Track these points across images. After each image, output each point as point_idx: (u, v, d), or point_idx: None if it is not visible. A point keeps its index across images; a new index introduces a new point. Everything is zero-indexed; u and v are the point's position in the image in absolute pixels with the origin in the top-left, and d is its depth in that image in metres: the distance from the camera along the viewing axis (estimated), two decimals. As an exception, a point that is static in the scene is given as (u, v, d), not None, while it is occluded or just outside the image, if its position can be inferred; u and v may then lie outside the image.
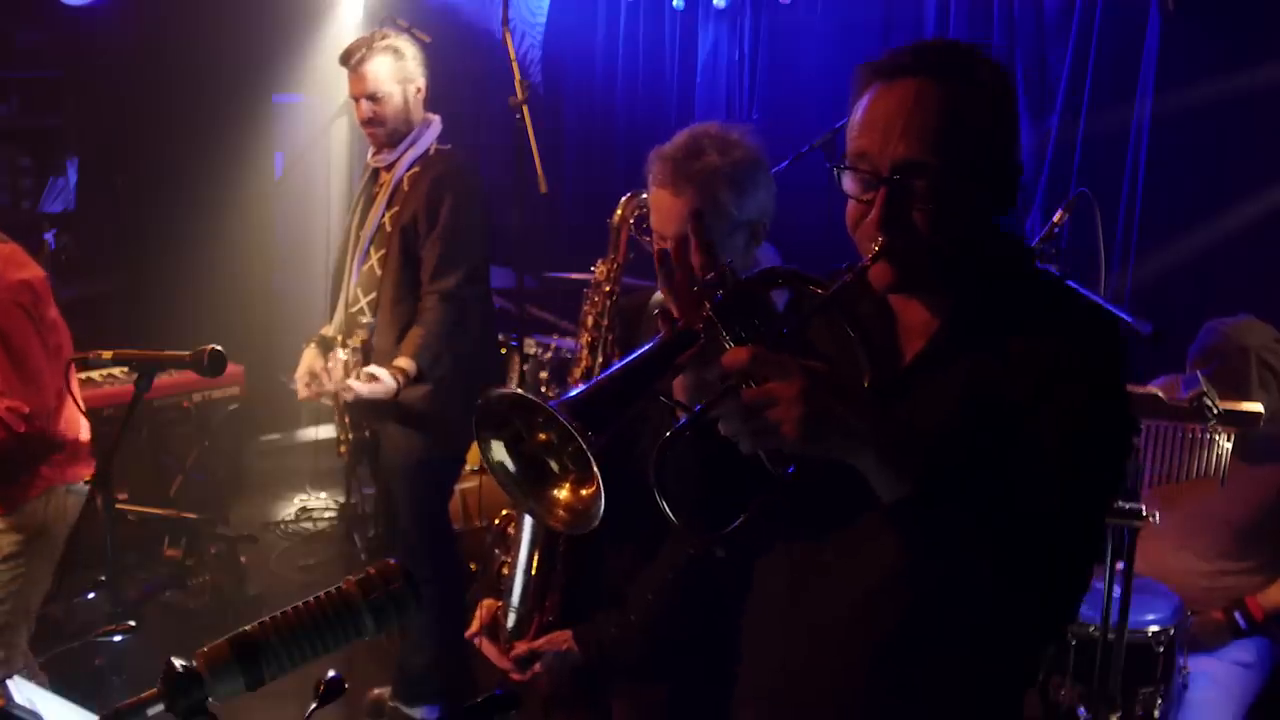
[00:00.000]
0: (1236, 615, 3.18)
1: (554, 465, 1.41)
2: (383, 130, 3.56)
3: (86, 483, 2.82)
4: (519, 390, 1.40)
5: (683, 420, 1.38)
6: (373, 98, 3.52)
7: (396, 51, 3.54)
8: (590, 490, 1.37)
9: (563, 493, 1.41)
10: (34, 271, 3.02)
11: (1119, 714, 2.94)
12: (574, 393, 1.38)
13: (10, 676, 1.91)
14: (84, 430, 3.19)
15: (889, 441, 1.34)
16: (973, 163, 1.44)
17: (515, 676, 2.26)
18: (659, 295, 2.30)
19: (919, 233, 1.44)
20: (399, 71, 3.53)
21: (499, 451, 1.42)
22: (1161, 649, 3.03)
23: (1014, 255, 1.58)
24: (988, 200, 1.50)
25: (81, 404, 3.06)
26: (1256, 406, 2.81)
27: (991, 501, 1.36)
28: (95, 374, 4.52)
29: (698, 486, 1.58)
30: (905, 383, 1.53)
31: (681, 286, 1.44)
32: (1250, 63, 4.23)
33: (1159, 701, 3.04)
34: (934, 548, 1.39)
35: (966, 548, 1.36)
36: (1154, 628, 3.03)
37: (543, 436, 1.40)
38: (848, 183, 1.49)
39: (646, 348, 1.42)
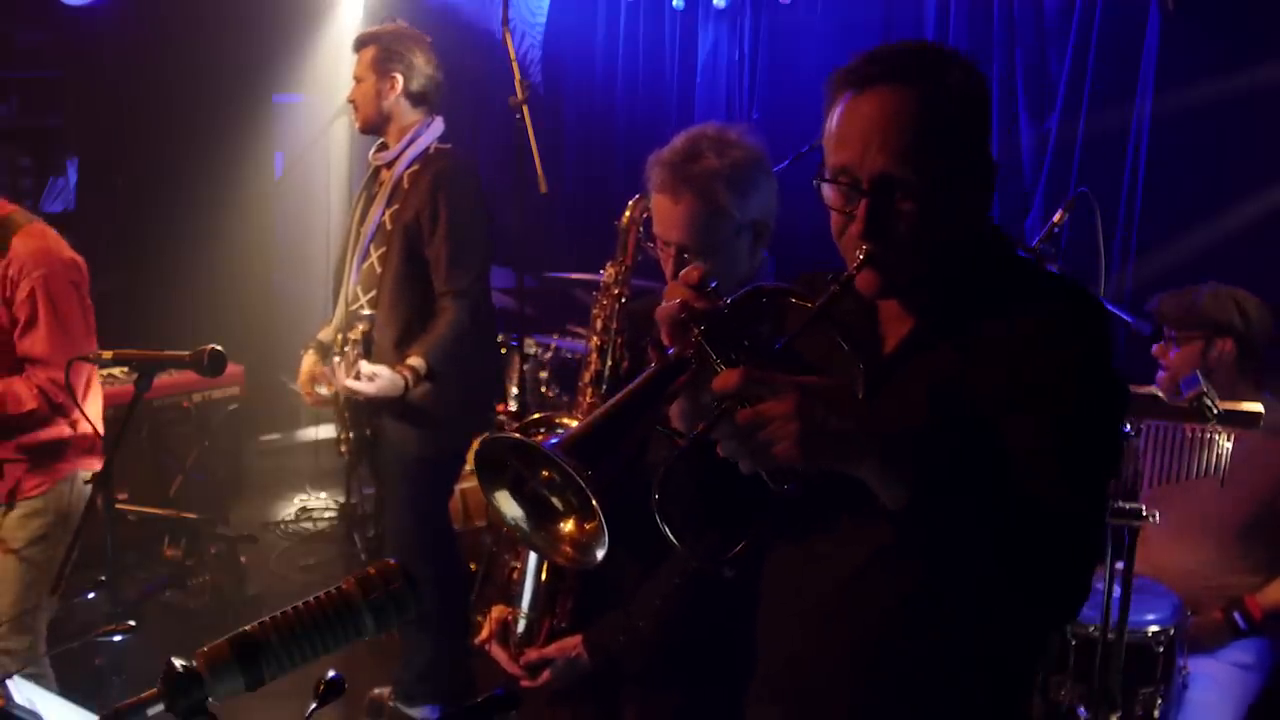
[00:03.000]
0: (1235, 615, 3.18)
1: (557, 502, 1.42)
2: (357, 114, 3.71)
3: (85, 482, 2.85)
4: (514, 435, 1.42)
5: (681, 448, 1.38)
6: (355, 80, 3.68)
7: (385, 44, 3.62)
8: (593, 525, 1.38)
9: (567, 526, 1.42)
10: (78, 255, 3.16)
11: (1119, 714, 2.94)
12: (570, 431, 1.38)
13: (10, 676, 1.91)
14: (100, 423, 3.25)
15: (886, 449, 1.34)
16: (949, 167, 1.46)
17: (526, 683, 2.25)
18: None
19: (902, 240, 1.47)
20: (378, 63, 3.61)
21: (504, 500, 1.43)
22: (1161, 649, 3.02)
23: (990, 243, 1.60)
24: (968, 200, 1.52)
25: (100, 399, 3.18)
26: (1256, 407, 2.81)
27: (988, 493, 1.36)
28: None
29: (700, 511, 1.58)
30: (888, 372, 1.54)
31: (669, 314, 1.44)
32: (1250, 63, 4.23)
33: (1159, 701, 3.04)
34: (932, 541, 1.39)
35: (965, 539, 1.37)
36: (1154, 628, 3.03)
37: (545, 474, 1.40)
38: (829, 195, 1.51)
39: (638, 380, 1.43)
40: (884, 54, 1.51)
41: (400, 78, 3.60)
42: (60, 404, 3.00)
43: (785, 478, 1.39)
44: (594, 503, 1.32)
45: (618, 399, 1.42)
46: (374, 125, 3.67)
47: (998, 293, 1.52)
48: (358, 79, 3.66)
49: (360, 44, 3.69)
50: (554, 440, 1.35)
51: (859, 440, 1.33)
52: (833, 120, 1.51)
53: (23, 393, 2.98)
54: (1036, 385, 1.43)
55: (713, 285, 1.46)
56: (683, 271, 1.48)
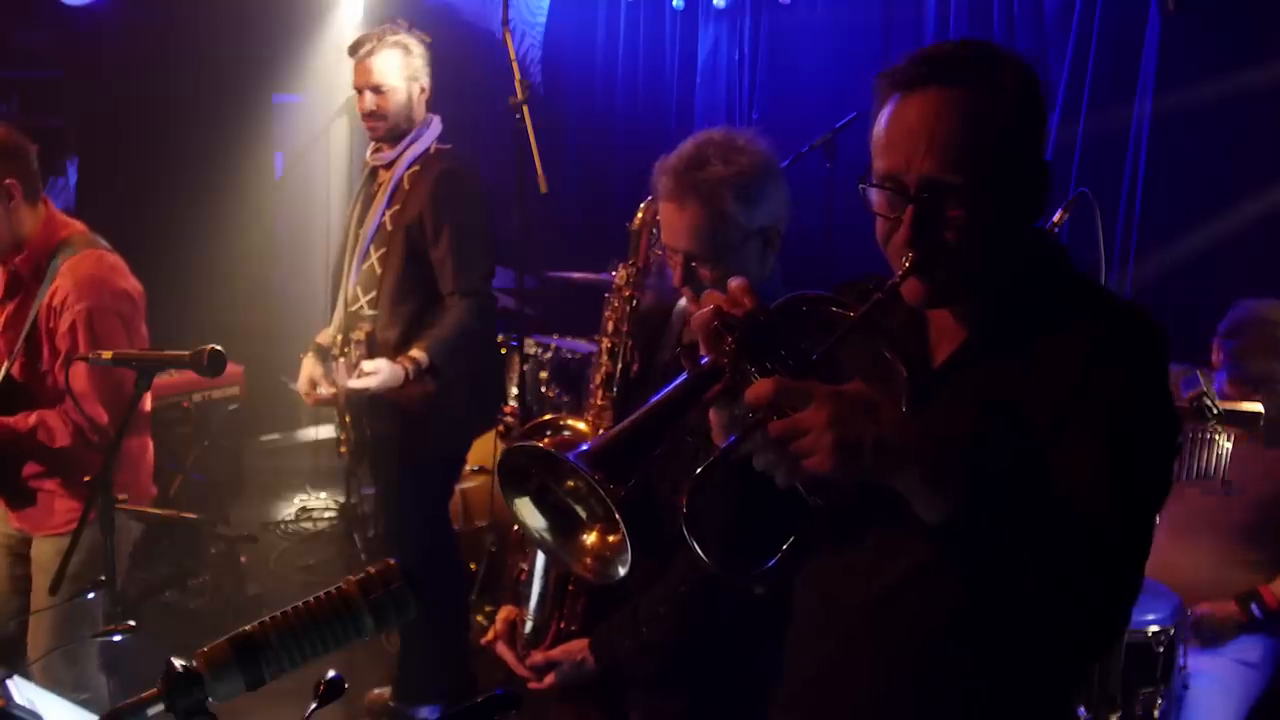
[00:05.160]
0: (1252, 606, 3.17)
1: (582, 511, 1.39)
2: (383, 125, 3.57)
3: (84, 482, 2.81)
4: (540, 445, 1.38)
5: (710, 459, 1.33)
6: (377, 90, 3.54)
7: (406, 48, 3.57)
8: (617, 537, 1.35)
9: (591, 538, 1.39)
10: (135, 284, 3.06)
11: (1119, 714, 2.94)
12: (597, 441, 1.33)
13: (10, 676, 1.91)
14: (149, 452, 3.22)
15: (928, 461, 1.29)
16: (999, 172, 1.40)
17: (533, 686, 2.25)
18: (683, 303, 2.27)
19: (949, 248, 1.41)
20: (406, 68, 3.55)
21: (527, 509, 1.40)
22: (1161, 649, 3.02)
23: (1047, 257, 1.54)
24: (1018, 206, 1.46)
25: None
26: (1256, 407, 2.81)
27: (1032, 510, 1.32)
28: (96, 374, 4.52)
29: (731, 526, 1.54)
30: (935, 385, 1.49)
31: (703, 322, 1.39)
32: (1250, 62, 4.23)
33: (1159, 701, 3.04)
34: (969, 560, 1.34)
35: (1007, 557, 1.32)
36: (1154, 628, 3.03)
37: (569, 483, 1.38)
38: (875, 199, 1.46)
39: (670, 387, 1.37)
40: (933, 53, 1.45)
41: (427, 80, 3.59)
42: (95, 443, 2.90)
43: (821, 490, 1.33)
44: (618, 515, 1.29)
45: (647, 408, 1.36)
46: (401, 133, 3.57)
47: (1053, 309, 1.46)
48: (384, 89, 3.51)
49: (370, 50, 3.54)
50: (580, 450, 1.30)
51: (897, 451, 1.27)
52: (879, 123, 1.45)
53: (56, 428, 2.91)
54: (1092, 407, 1.38)
55: (749, 279, 1.40)
56: (730, 281, 1.43)
